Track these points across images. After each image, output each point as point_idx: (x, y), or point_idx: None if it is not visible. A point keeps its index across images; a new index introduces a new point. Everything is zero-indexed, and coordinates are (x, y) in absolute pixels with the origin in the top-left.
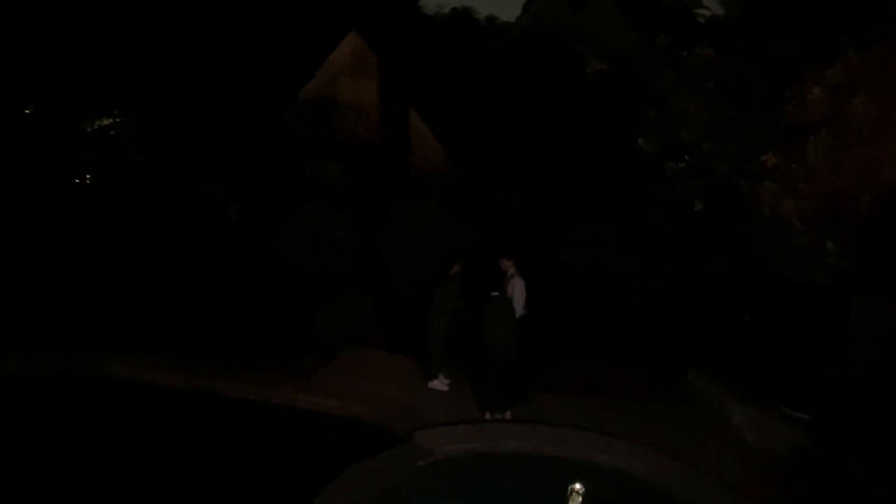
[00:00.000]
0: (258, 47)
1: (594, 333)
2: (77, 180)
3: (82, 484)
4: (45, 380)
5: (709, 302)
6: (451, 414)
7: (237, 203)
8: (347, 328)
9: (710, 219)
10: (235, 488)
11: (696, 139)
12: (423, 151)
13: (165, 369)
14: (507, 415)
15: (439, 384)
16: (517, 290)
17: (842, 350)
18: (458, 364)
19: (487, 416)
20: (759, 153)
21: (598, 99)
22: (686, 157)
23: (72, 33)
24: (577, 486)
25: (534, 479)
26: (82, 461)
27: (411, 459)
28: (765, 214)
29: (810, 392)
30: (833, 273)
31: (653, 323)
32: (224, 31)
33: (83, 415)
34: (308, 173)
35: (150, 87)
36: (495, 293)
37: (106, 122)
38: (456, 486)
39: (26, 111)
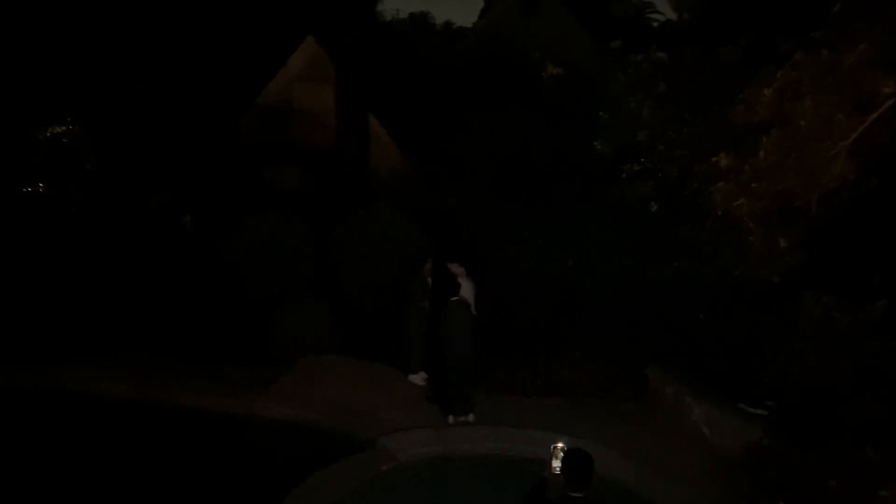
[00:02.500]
0: (213, 53)
1: (551, 334)
2: (29, 189)
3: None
4: None
5: (665, 301)
6: (414, 419)
7: (192, 211)
8: (304, 334)
9: (665, 219)
10: (203, 498)
11: (650, 141)
12: (382, 157)
13: (120, 380)
14: (471, 417)
15: (418, 379)
16: (466, 294)
17: (793, 347)
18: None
19: (451, 419)
20: (711, 154)
21: (553, 103)
22: (641, 160)
23: (22, 40)
24: (561, 444)
25: (498, 479)
26: (35, 478)
27: (375, 464)
28: (717, 214)
29: (764, 388)
30: (784, 271)
31: (610, 323)
32: (179, 37)
33: (35, 429)
34: (264, 180)
35: (102, 93)
36: (455, 297)
37: (59, 129)
38: (421, 489)
39: None
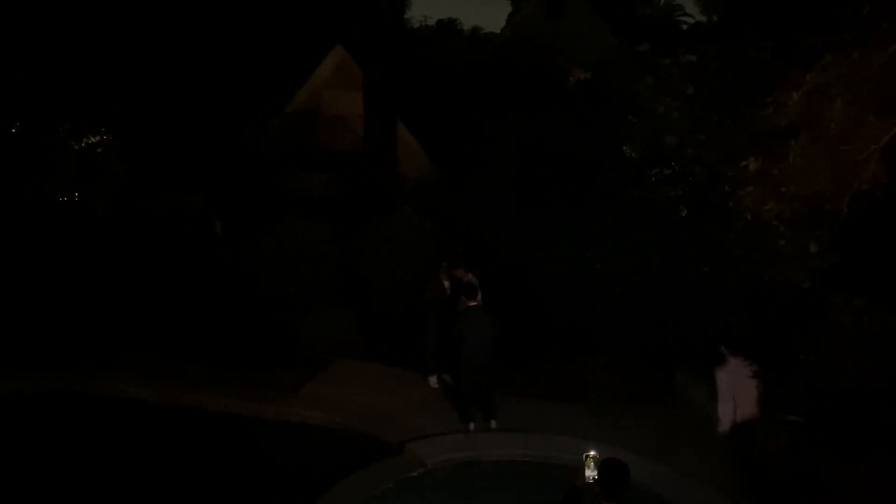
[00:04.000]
0: (244, 61)
1: (578, 339)
2: (64, 198)
3: None
4: (25, 398)
5: (694, 305)
6: (441, 424)
7: (222, 216)
8: (330, 339)
9: (694, 223)
10: (233, 501)
11: (679, 144)
12: (410, 162)
13: (149, 384)
14: (493, 423)
15: (433, 381)
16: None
17: (823, 351)
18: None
19: (471, 427)
20: (739, 157)
21: (580, 106)
22: (671, 163)
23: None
24: (592, 452)
25: (526, 485)
26: (65, 482)
27: (403, 470)
28: (747, 218)
29: (794, 394)
30: (814, 274)
31: (637, 327)
32: (211, 45)
33: (68, 434)
34: (293, 185)
35: (134, 102)
36: (472, 303)
37: (92, 139)
38: (449, 494)
39: (12, 130)
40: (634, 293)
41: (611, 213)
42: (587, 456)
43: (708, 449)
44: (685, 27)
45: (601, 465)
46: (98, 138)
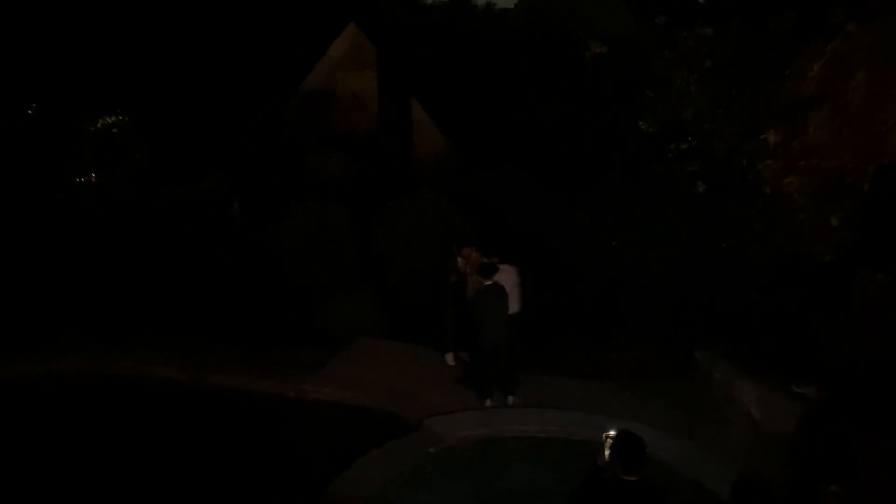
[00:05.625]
0: (258, 42)
1: (597, 316)
2: (82, 179)
3: (96, 484)
4: (49, 381)
5: (714, 281)
6: (460, 401)
7: (239, 198)
8: (350, 319)
9: (713, 198)
10: (255, 478)
11: (697, 119)
12: (425, 141)
13: (171, 365)
14: (510, 400)
15: (450, 358)
16: (504, 279)
17: (846, 326)
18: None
19: (488, 403)
20: (759, 131)
21: (597, 81)
22: (688, 138)
23: (71, 30)
24: (613, 432)
25: (545, 461)
26: (96, 461)
27: (423, 446)
28: (766, 192)
29: (818, 369)
30: (836, 249)
31: (657, 304)
32: (224, 27)
33: (94, 415)
34: (309, 167)
35: (151, 83)
36: (488, 282)
37: (109, 120)
38: (467, 469)
39: (29, 111)
40: (654, 270)
41: (629, 190)
42: (606, 436)
43: (730, 426)
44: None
45: (616, 439)
46: (114, 119)
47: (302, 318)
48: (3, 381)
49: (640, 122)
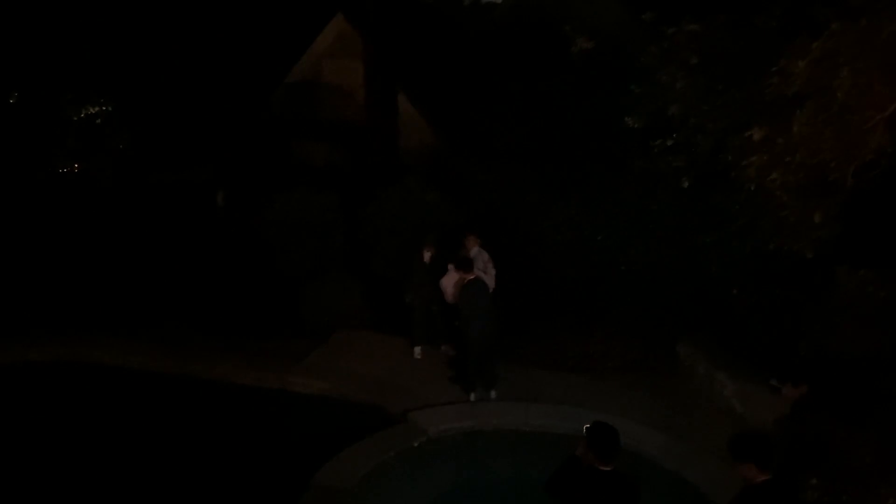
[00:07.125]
0: (244, 32)
1: (580, 308)
2: (65, 169)
3: (79, 478)
4: (26, 369)
5: (697, 275)
6: (444, 394)
7: (224, 187)
8: (335, 309)
9: (697, 193)
10: (238, 469)
11: (683, 114)
12: (412, 132)
13: (153, 354)
14: (492, 394)
15: (418, 351)
16: (480, 268)
17: (828, 320)
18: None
19: (473, 397)
20: (744, 127)
21: (583, 76)
22: (674, 134)
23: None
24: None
25: (528, 454)
26: (70, 451)
27: (406, 439)
28: (751, 188)
29: (799, 363)
30: (819, 245)
31: (640, 297)
32: (210, 15)
33: (74, 404)
34: (295, 156)
35: (134, 72)
36: (470, 276)
37: (92, 110)
38: (451, 463)
39: (10, 101)
40: (638, 263)
41: (615, 183)
42: (587, 428)
43: (712, 419)
44: None
45: (590, 430)
46: (97, 109)
47: (286, 307)
48: None
49: (627, 118)
